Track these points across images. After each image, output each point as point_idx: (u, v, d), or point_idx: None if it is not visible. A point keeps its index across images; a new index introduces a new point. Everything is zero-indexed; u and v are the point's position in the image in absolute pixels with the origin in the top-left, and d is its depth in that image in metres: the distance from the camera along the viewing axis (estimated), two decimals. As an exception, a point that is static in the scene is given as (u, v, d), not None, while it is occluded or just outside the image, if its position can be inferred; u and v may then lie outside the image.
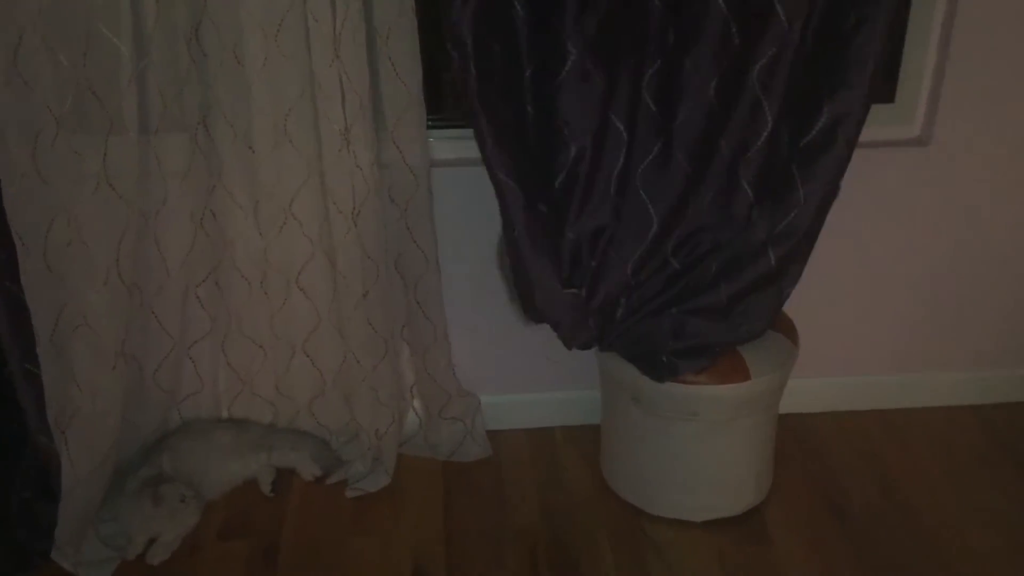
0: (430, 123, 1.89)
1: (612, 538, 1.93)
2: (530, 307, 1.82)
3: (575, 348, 1.86)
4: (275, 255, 1.94)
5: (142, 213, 1.82)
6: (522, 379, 2.22)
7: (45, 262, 1.70)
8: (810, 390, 2.24)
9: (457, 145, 1.94)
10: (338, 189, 1.82)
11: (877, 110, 1.71)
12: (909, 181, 2.01)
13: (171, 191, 1.86)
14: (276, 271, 1.96)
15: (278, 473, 2.09)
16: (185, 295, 1.96)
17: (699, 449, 1.89)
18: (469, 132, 1.89)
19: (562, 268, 1.75)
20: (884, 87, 1.96)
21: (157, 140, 1.80)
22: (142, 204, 1.81)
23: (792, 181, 1.69)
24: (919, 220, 2.08)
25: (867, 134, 1.68)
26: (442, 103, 2.00)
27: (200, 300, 1.99)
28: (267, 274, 1.97)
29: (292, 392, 2.11)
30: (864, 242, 2.09)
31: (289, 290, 1.98)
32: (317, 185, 1.85)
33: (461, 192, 1.98)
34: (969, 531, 1.92)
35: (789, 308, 1.84)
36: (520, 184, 1.65)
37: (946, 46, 1.91)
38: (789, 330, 1.92)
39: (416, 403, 2.19)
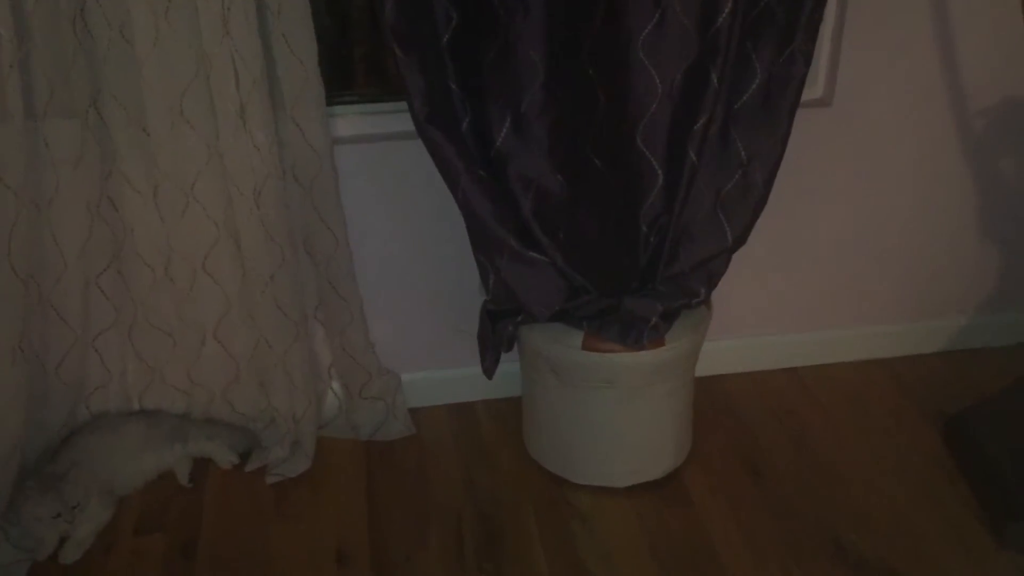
0: (334, 100, 1.85)
1: (537, 509, 1.93)
2: (492, 279, 1.80)
3: (543, 320, 1.84)
4: (178, 240, 1.88)
5: (33, 203, 1.75)
6: (442, 355, 2.20)
7: (-69, 257, 1.63)
8: (725, 352, 2.27)
9: (362, 121, 1.90)
10: (238, 170, 1.76)
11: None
12: (814, 141, 2.03)
13: (63, 179, 1.78)
14: (180, 257, 1.90)
15: (195, 463, 2.04)
16: (86, 286, 1.89)
17: (618, 416, 1.90)
18: (374, 108, 1.89)
19: (528, 234, 1.73)
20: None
21: (45, 126, 1.72)
22: (32, 193, 1.74)
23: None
24: (826, 179, 2.11)
25: (770, 96, 1.70)
26: (350, 80, 1.96)
27: (102, 290, 1.92)
28: (171, 260, 1.91)
29: (205, 380, 2.06)
30: (771, 202, 2.11)
31: (195, 276, 1.92)
32: (217, 166, 1.79)
33: (369, 169, 1.95)
34: (882, 483, 1.97)
35: (700, 272, 1.86)
36: (456, 147, 1.63)
37: (844, 5, 1.93)
38: (702, 294, 1.94)
39: (335, 384, 2.16)
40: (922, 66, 2.03)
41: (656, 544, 1.83)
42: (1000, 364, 2.27)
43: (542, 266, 1.73)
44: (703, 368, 2.06)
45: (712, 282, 1.83)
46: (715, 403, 2.21)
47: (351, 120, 1.90)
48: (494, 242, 1.72)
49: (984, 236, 2.26)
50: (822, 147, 2.05)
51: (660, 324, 1.78)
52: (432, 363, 2.22)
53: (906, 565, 1.77)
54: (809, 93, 2.02)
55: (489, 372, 1.97)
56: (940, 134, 2.12)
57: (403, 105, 1.63)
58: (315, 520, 1.92)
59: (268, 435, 2.10)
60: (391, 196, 1.96)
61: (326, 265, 1.97)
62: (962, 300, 2.32)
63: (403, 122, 1.71)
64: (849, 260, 2.24)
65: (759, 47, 1.67)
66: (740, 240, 1.79)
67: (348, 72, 1.99)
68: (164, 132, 1.76)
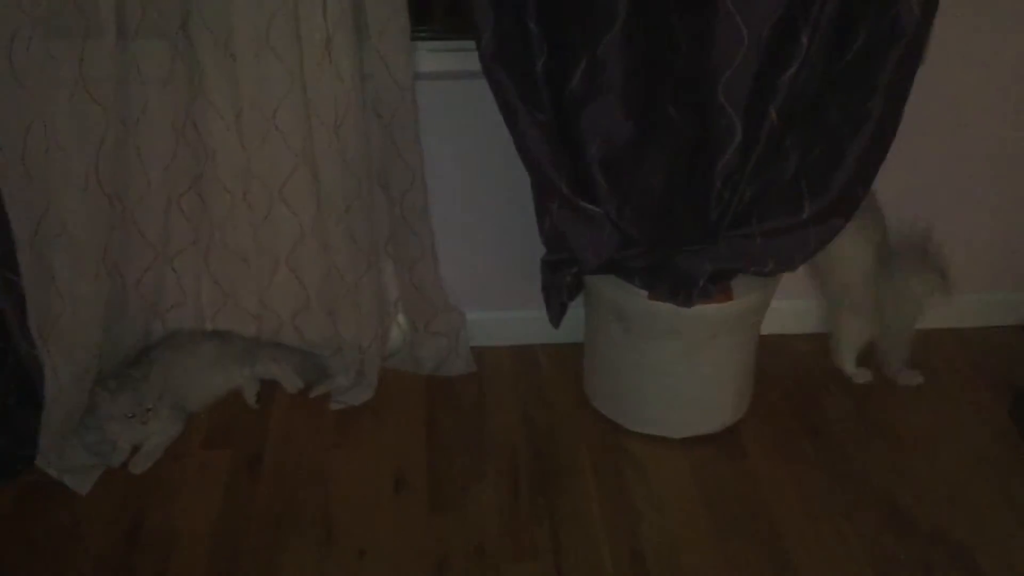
0: (416, 35, 1.86)
1: (592, 453, 1.96)
2: (546, 224, 1.81)
3: (592, 270, 1.85)
4: (258, 167, 1.92)
5: (121, 121, 1.79)
6: (508, 296, 2.22)
7: (24, 167, 1.68)
8: (793, 311, 2.25)
9: (444, 58, 1.91)
10: (320, 101, 1.79)
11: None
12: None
13: (151, 99, 1.82)
14: (259, 183, 1.94)
15: (262, 385, 2.10)
16: (167, 205, 1.95)
17: (680, 368, 1.91)
18: (456, 45, 1.88)
19: (584, 183, 1.72)
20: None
21: (136, 46, 1.76)
22: (121, 111, 1.78)
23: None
24: (907, 144, 2.06)
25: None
26: (430, 16, 1.96)
27: (183, 211, 1.97)
28: (250, 186, 1.95)
29: (275, 305, 2.11)
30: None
31: (272, 203, 1.96)
32: (300, 96, 1.81)
33: (448, 106, 1.95)
34: (943, 451, 1.96)
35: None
36: (519, 88, 1.62)
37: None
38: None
39: (401, 318, 2.19)
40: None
41: (709, 496, 1.85)
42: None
43: (593, 215, 1.73)
44: (771, 326, 2.05)
45: (785, 258, 1.77)
46: (780, 362, 2.19)
47: (433, 56, 1.91)
48: (548, 187, 1.72)
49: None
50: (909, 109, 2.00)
51: (708, 286, 1.77)
52: (498, 303, 2.24)
53: (960, 533, 1.76)
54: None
55: (555, 321, 1.99)
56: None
57: (482, 43, 1.63)
58: (375, 447, 1.97)
59: (334, 363, 2.15)
60: (469, 135, 1.97)
61: (400, 200, 1.99)
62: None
63: (484, 60, 1.71)
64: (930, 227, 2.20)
65: (861, 10, 1.58)
66: (824, 215, 1.70)
67: (431, 7, 1.98)
68: (249, 58, 1.79)
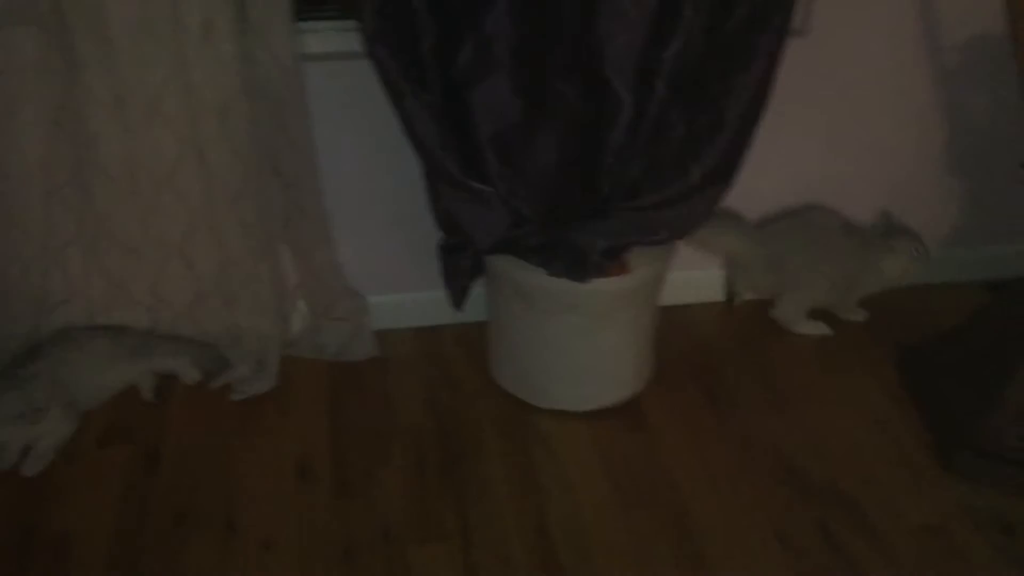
0: (304, 16, 1.82)
1: (498, 431, 1.96)
2: (437, 205, 1.79)
3: (485, 250, 1.85)
4: (142, 155, 1.86)
5: (-7, 111, 1.72)
6: (410, 278, 2.21)
7: None
8: (691, 281, 2.29)
9: (332, 38, 1.87)
10: (203, 85, 1.74)
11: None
12: (788, 72, 2.02)
13: (25, 87, 1.75)
14: (145, 172, 1.88)
15: (160, 379, 2.05)
16: (47, 197, 1.87)
17: (581, 342, 1.93)
18: (343, 25, 1.85)
19: (475, 162, 1.71)
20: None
21: (4, 33, 1.68)
22: (-8, 101, 1.71)
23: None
24: (797, 110, 2.10)
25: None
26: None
27: (65, 202, 1.90)
28: (135, 174, 1.89)
29: (170, 296, 2.06)
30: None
31: (160, 191, 1.90)
32: (182, 81, 1.76)
33: (339, 87, 1.92)
34: (837, 412, 2.02)
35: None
36: (402, 67, 1.61)
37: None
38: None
39: (301, 304, 2.16)
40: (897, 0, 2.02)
41: (612, 467, 1.87)
42: (960, 299, 2.30)
43: (485, 195, 1.73)
44: (669, 297, 2.08)
45: (677, 225, 1.80)
46: (679, 332, 2.23)
47: (321, 37, 1.87)
48: (438, 169, 1.72)
49: (950, 171, 2.28)
50: (796, 78, 2.04)
51: (603, 261, 1.79)
52: (399, 286, 2.22)
53: (853, 489, 1.82)
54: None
55: (457, 304, 1.99)
56: (912, 68, 2.12)
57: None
58: (278, 436, 1.94)
59: (233, 353, 2.10)
60: (362, 116, 1.94)
61: (293, 185, 1.95)
62: (926, 234, 2.34)
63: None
64: (816, 192, 2.26)
65: None
66: (710, 180, 1.75)
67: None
68: (126, 43, 1.73)
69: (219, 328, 2.10)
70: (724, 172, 1.76)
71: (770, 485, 1.83)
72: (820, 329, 2.25)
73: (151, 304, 2.06)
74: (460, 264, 1.92)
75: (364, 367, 2.14)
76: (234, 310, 2.06)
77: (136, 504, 1.78)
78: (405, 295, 2.24)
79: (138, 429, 1.95)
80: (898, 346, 2.17)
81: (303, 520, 1.75)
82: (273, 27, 1.75)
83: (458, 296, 2.00)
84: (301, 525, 1.74)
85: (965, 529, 1.74)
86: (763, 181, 2.17)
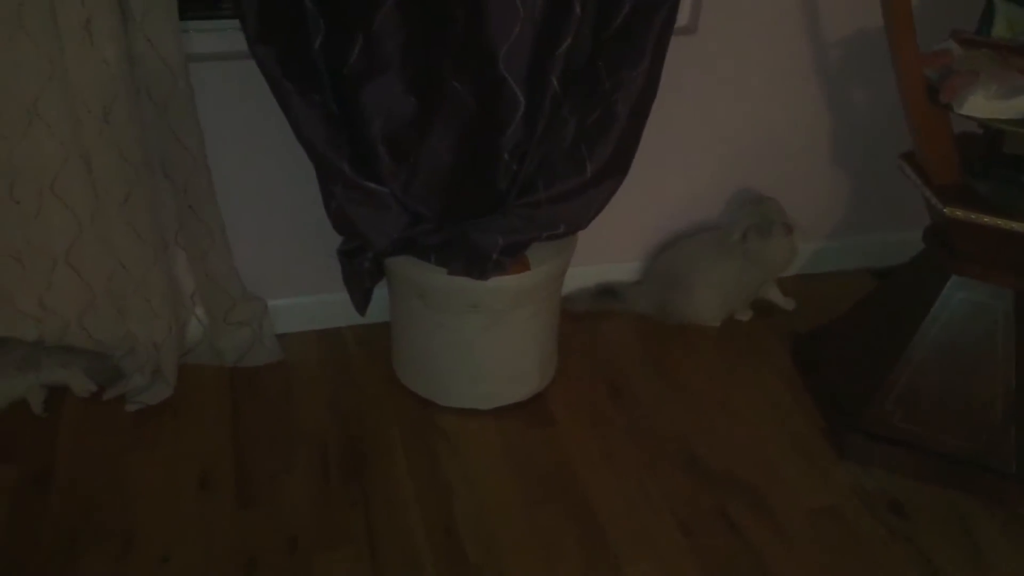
0: (193, 15, 1.77)
1: (403, 431, 1.95)
2: (333, 206, 1.77)
3: (382, 256, 1.83)
4: (22, 160, 1.78)
5: None
6: (310, 280, 2.17)
7: None
8: (590, 275, 2.32)
9: (219, 38, 1.82)
10: (85, 87, 1.68)
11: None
12: (678, 67, 2.06)
13: None
14: (25, 178, 1.80)
15: (50, 392, 1.98)
16: (-79, 206, 1.79)
17: (483, 340, 1.93)
18: (230, 24, 1.80)
19: (368, 162, 1.69)
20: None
21: None
22: None
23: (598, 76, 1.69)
24: (687, 105, 2.15)
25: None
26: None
27: (-60, 211, 1.82)
28: (15, 181, 1.80)
29: (58, 306, 1.97)
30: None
31: (43, 198, 1.83)
32: (62, 82, 1.70)
33: (228, 87, 1.88)
34: (735, 401, 2.08)
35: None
36: (287, 68, 1.58)
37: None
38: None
39: (198, 310, 2.11)
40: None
41: (518, 463, 1.88)
42: (848, 287, 2.38)
43: (378, 195, 1.72)
44: (570, 291, 2.10)
45: (575, 219, 1.82)
46: (580, 327, 2.26)
47: (208, 36, 1.82)
48: (330, 170, 1.70)
49: (835, 163, 2.36)
50: (686, 73, 2.08)
51: (503, 259, 1.80)
52: (299, 289, 2.19)
53: (752, 475, 1.87)
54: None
55: (360, 309, 1.97)
56: (798, 62, 2.19)
57: (260, 22, 1.57)
58: (177, 447, 1.89)
59: (128, 362, 2.04)
60: (253, 117, 1.90)
61: (184, 187, 1.90)
62: (814, 225, 2.42)
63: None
64: (707, 188, 2.31)
65: None
66: (604, 174, 1.77)
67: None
68: (1, 43, 1.65)
69: (112, 337, 2.03)
70: (618, 165, 1.78)
71: (672, 475, 1.87)
72: (790, 305, 2.35)
73: (38, 314, 1.98)
74: (360, 268, 1.90)
75: (266, 372, 2.10)
76: (127, 318, 1.99)
77: (24, 526, 1.71)
78: (306, 297, 2.20)
79: (27, 446, 1.87)
80: (791, 334, 2.24)
81: (205, 532, 1.71)
82: (158, 25, 1.69)
83: (361, 301, 1.98)
84: (202, 537, 1.70)
85: (858, 510, 1.81)
86: (659, 176, 2.21)
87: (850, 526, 1.77)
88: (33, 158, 1.78)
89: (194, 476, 1.82)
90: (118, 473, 1.82)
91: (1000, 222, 1.68)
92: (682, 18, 2.04)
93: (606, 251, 2.30)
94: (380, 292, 2.06)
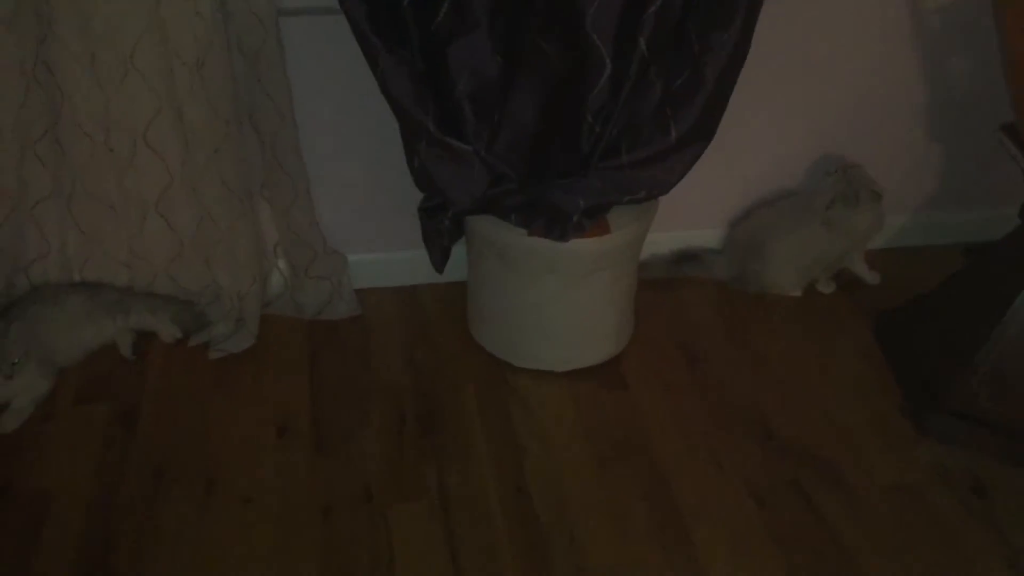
0: (279, -32, 1.79)
1: (477, 390, 1.97)
2: (415, 164, 1.78)
3: (463, 214, 1.84)
4: (118, 110, 1.83)
5: (-36, 63, 1.69)
6: (390, 237, 2.20)
7: None
8: (671, 241, 2.29)
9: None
10: (179, 39, 1.71)
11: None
12: (766, 31, 2.01)
13: (-3, 43, 1.72)
14: (120, 127, 1.86)
15: (138, 337, 2.04)
16: (22, 153, 1.85)
17: (560, 302, 1.93)
18: (321, -23, 1.82)
19: (453, 120, 1.70)
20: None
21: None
22: (-37, 54, 1.68)
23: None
24: (774, 71, 2.09)
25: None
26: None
27: (39, 158, 1.87)
28: (111, 130, 1.86)
29: (148, 254, 2.04)
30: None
31: (136, 147, 1.88)
32: (157, 35, 1.73)
33: (318, 42, 1.89)
34: (813, 373, 2.04)
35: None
36: (375, 24, 1.59)
37: None
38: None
39: (281, 262, 2.15)
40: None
41: (591, 426, 1.89)
42: (936, 263, 2.31)
43: (462, 153, 1.72)
44: (645, 257, 2.08)
45: (657, 185, 1.79)
46: (658, 293, 2.24)
47: (297, -9, 1.84)
48: (414, 126, 1.70)
49: (928, 133, 2.28)
50: (775, 35, 2.03)
51: (583, 221, 1.78)
52: (379, 245, 2.22)
53: (827, 449, 1.84)
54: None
55: (438, 267, 1.99)
56: (893, 25, 2.11)
57: (350, -24, 1.58)
58: (257, 395, 1.94)
59: (212, 311, 2.10)
60: (340, 71, 1.92)
61: (271, 141, 1.93)
62: (903, 197, 2.35)
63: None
64: (793, 155, 2.26)
65: None
66: (689, 139, 1.74)
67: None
68: (100, -4, 1.70)
69: (198, 286, 2.09)
70: (703, 130, 1.75)
71: (746, 445, 1.85)
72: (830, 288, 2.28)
73: (129, 261, 2.05)
74: (440, 226, 1.91)
75: (343, 326, 2.13)
76: (213, 267, 2.04)
77: (114, 462, 1.78)
78: (386, 254, 2.23)
79: (117, 387, 1.94)
80: (874, 309, 2.19)
81: (283, 478, 1.76)
82: (251, -22, 1.72)
83: (439, 259, 1.99)
84: (281, 483, 1.75)
85: (937, 490, 1.77)
86: (744, 141, 2.17)
87: (928, 505, 1.74)
88: (128, 108, 1.83)
89: (273, 424, 1.87)
90: (201, 417, 1.88)
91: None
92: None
93: (687, 217, 2.27)
94: (458, 251, 2.07)
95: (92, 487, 1.72)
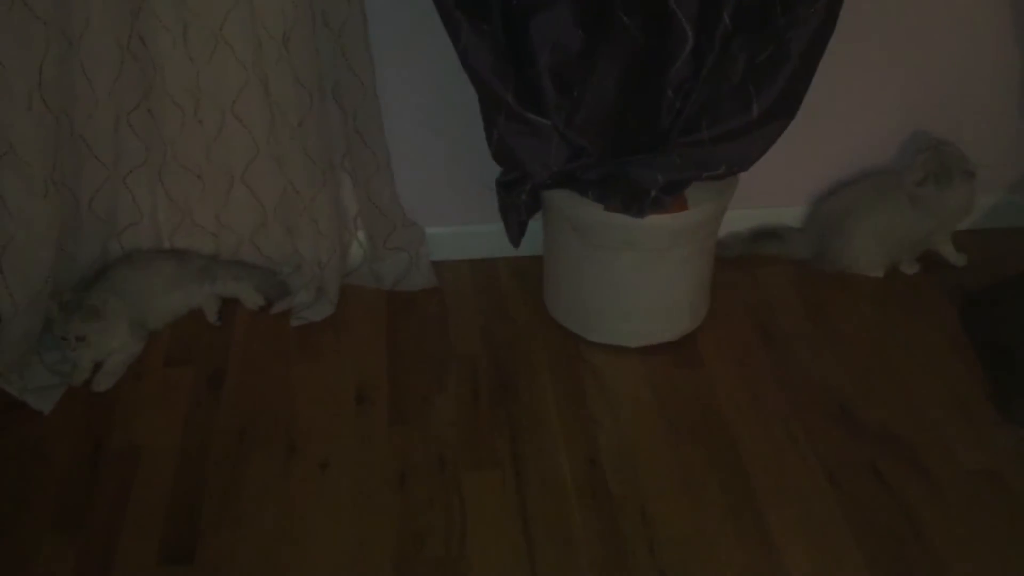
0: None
1: (551, 363, 1.99)
2: (494, 137, 1.79)
3: (540, 188, 1.85)
4: (207, 82, 1.89)
5: (64, 35, 1.74)
6: (467, 210, 2.22)
7: (-38, 87, 1.65)
8: (749, 219, 2.27)
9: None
10: (267, 12, 1.74)
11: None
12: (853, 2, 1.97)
13: (93, 13, 1.77)
14: (209, 99, 1.91)
15: (224, 303, 2.11)
16: (116, 122, 1.91)
17: (636, 278, 1.93)
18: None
19: (532, 94, 1.70)
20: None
21: (74, -43, 1.71)
22: (63, 26, 1.73)
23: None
24: (866, 38, 2.04)
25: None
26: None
27: (132, 128, 1.94)
28: (200, 101, 1.92)
29: (233, 223, 2.10)
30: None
31: (224, 118, 1.93)
32: (246, 8, 1.77)
33: (400, 16, 1.92)
34: (894, 354, 2.00)
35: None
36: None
37: None
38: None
39: (360, 234, 2.19)
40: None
41: (664, 402, 1.89)
42: (1024, 245, 2.26)
43: (540, 127, 1.72)
44: (722, 235, 2.06)
45: (737, 160, 1.77)
46: (736, 270, 2.21)
47: (381, -35, 1.87)
48: (494, 99, 1.71)
49: (1022, 110, 2.20)
50: (862, 7, 1.98)
51: (661, 197, 1.77)
52: (457, 218, 2.24)
53: (907, 431, 1.81)
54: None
55: (514, 240, 2.00)
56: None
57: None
58: (336, 362, 1.99)
59: (294, 280, 2.15)
60: (422, 46, 1.93)
61: (353, 113, 1.97)
62: (997, 178, 2.27)
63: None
64: (881, 131, 2.21)
65: None
66: (771, 114, 1.71)
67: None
68: (192, -31, 1.74)
69: (280, 255, 2.15)
70: (786, 106, 1.72)
71: (822, 425, 1.83)
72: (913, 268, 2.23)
73: (215, 230, 2.11)
74: (518, 200, 1.92)
75: (420, 297, 2.17)
76: (295, 237, 2.09)
77: (201, 422, 1.84)
78: (463, 227, 2.25)
79: (203, 351, 2.01)
80: (959, 291, 2.14)
81: (360, 443, 1.80)
82: (335, -47, 1.74)
83: (516, 233, 2.01)
84: (358, 448, 1.79)
85: (1020, 475, 1.73)
86: (829, 116, 2.13)
87: (1011, 491, 1.70)
88: (217, 80, 1.88)
89: (351, 391, 1.92)
90: (282, 382, 1.94)
91: None
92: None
93: (767, 194, 2.24)
94: (535, 225, 2.07)
95: (180, 444, 1.79)
